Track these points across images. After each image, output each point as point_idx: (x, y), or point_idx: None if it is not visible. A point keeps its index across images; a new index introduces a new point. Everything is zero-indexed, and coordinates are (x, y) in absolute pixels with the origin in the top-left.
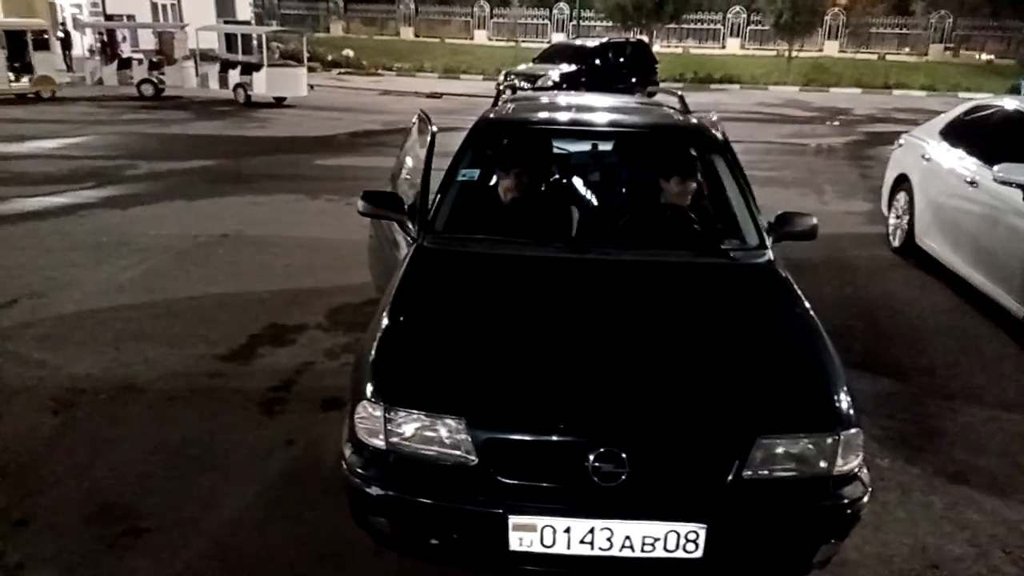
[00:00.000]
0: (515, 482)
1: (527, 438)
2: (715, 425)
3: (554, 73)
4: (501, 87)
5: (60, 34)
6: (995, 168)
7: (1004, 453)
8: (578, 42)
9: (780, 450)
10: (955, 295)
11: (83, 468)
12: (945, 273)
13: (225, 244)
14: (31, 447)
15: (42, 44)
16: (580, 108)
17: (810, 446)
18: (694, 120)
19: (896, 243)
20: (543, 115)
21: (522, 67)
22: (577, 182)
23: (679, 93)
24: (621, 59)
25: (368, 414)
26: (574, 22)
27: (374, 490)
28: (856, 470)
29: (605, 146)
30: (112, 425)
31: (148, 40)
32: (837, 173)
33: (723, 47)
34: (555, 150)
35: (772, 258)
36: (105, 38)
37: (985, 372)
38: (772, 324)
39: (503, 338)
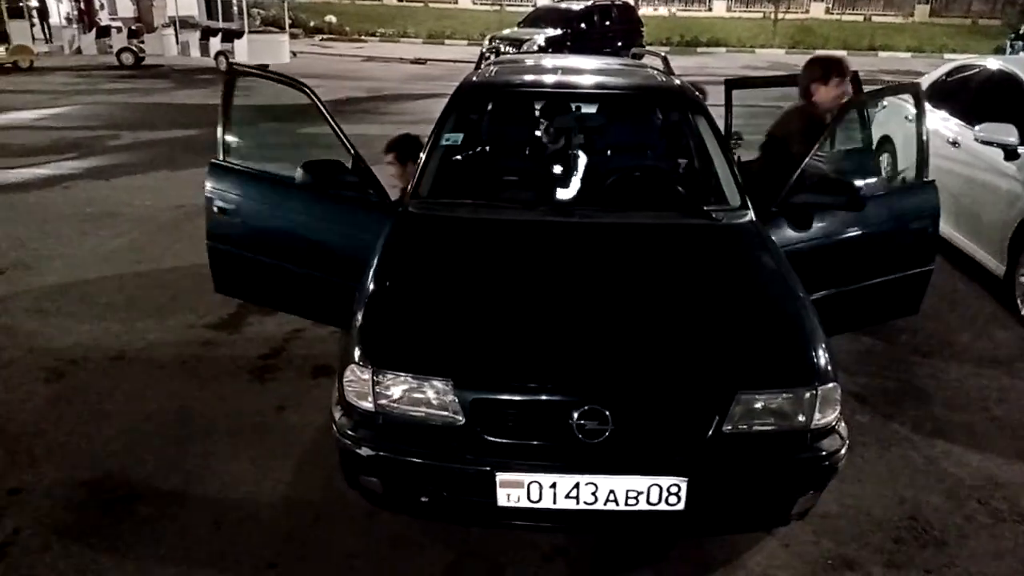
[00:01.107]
0: (502, 440)
1: (513, 398)
2: (695, 381)
3: (539, 37)
4: (485, 52)
5: (35, 2)
6: (976, 128)
7: (983, 408)
8: (563, 5)
9: (759, 405)
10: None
11: (76, 437)
12: None
13: None
14: (24, 417)
15: (17, 12)
16: (563, 70)
17: (788, 400)
18: (676, 82)
19: None
20: (526, 77)
21: (507, 32)
22: (560, 144)
23: (663, 54)
24: (607, 23)
25: (356, 377)
26: None
27: (364, 451)
28: (833, 424)
29: (588, 108)
30: (103, 394)
31: (127, 7)
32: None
33: (710, 10)
34: (537, 112)
35: (753, 218)
36: (82, 6)
37: (966, 329)
38: (752, 282)
39: (488, 301)
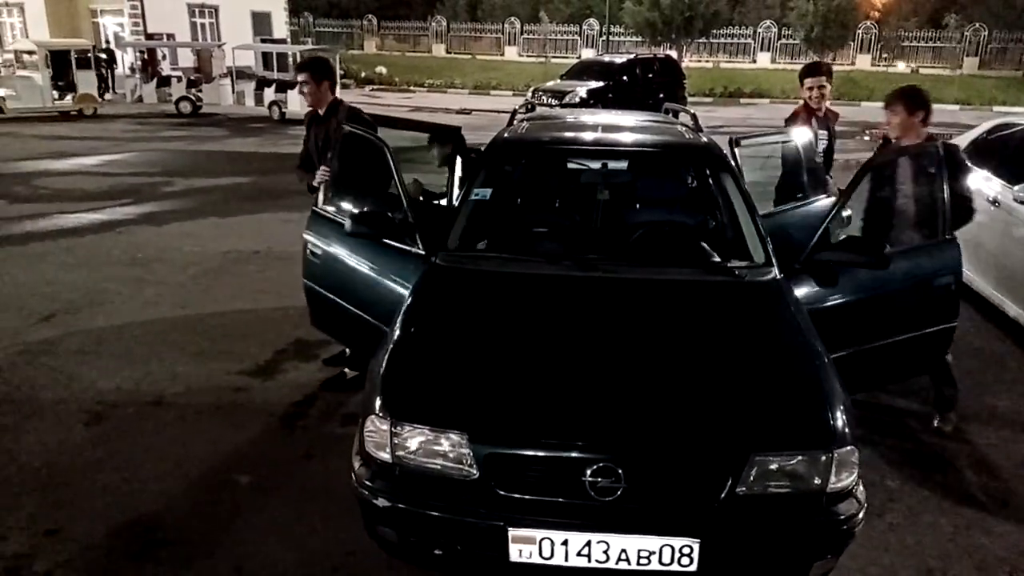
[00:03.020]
0: (515, 496)
1: (527, 453)
2: (708, 442)
3: (581, 90)
4: (518, 107)
5: (103, 55)
6: (1016, 188)
7: (1017, 476)
8: (606, 58)
9: (774, 467)
10: (976, 315)
11: (111, 480)
12: (967, 293)
13: (256, 260)
14: (63, 459)
15: (85, 63)
16: (592, 127)
17: (804, 463)
18: (703, 139)
19: None
20: (555, 135)
21: (550, 84)
22: (587, 200)
23: (692, 112)
24: (649, 75)
25: (376, 428)
26: (603, 38)
27: (381, 502)
28: (851, 487)
29: (616, 164)
30: (140, 439)
31: (187, 58)
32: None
33: (754, 61)
34: (568, 166)
35: (777, 276)
36: (146, 56)
37: (1004, 393)
38: (772, 341)
39: (508, 355)
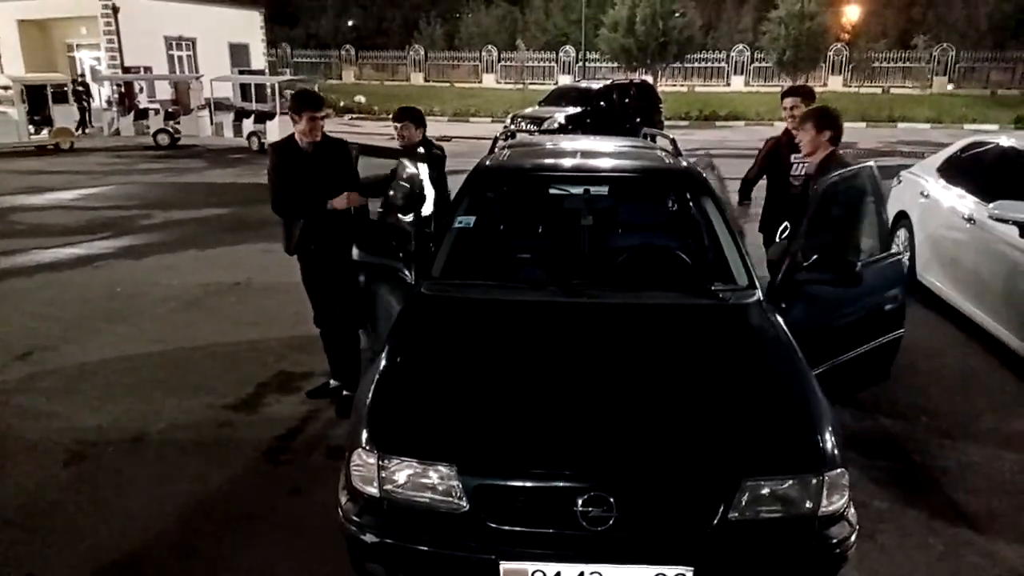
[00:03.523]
0: (506, 528)
1: (516, 484)
2: (700, 469)
3: (559, 116)
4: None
5: (80, 87)
6: (991, 205)
7: (1005, 493)
8: (583, 84)
9: (765, 491)
10: (957, 331)
11: (92, 521)
12: (947, 309)
13: (236, 292)
14: (43, 500)
15: (61, 97)
16: (573, 153)
17: (795, 487)
18: (684, 163)
19: None
20: (537, 162)
21: (528, 110)
22: (570, 226)
23: (671, 136)
24: (626, 100)
25: (363, 462)
26: (580, 64)
27: (369, 537)
28: (842, 510)
29: (598, 190)
30: (122, 477)
31: (165, 91)
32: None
33: (728, 84)
34: (550, 191)
35: (761, 298)
36: (123, 90)
37: (987, 410)
38: (758, 364)
39: (494, 385)
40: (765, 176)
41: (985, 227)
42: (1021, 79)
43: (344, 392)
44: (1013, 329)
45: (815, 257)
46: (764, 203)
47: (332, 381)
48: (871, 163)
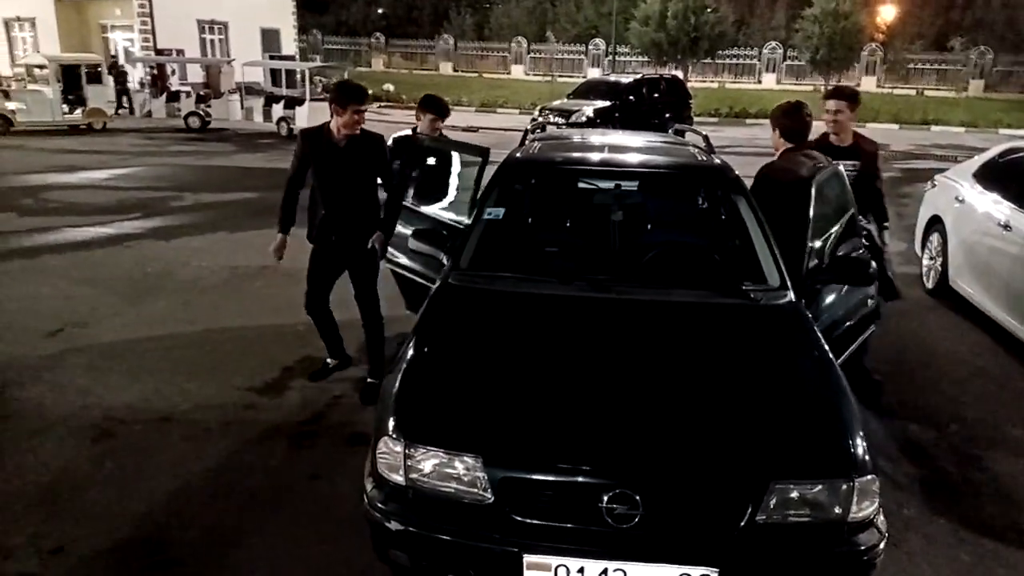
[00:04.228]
0: (530, 521)
1: (542, 478)
2: (728, 469)
3: (588, 109)
4: (529, 127)
5: (121, 68)
6: None
7: None
8: (612, 78)
9: (794, 495)
10: (989, 339)
11: (118, 498)
12: (979, 316)
13: (264, 276)
14: (70, 476)
15: (95, 77)
16: (604, 148)
17: (824, 491)
18: (716, 160)
19: (930, 284)
20: (568, 155)
21: (556, 103)
22: (599, 221)
23: (703, 133)
24: (655, 95)
25: (389, 450)
26: (609, 57)
27: (393, 525)
28: (872, 517)
29: (628, 185)
30: (149, 456)
31: (196, 74)
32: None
33: (759, 82)
34: (580, 185)
35: (793, 299)
36: (155, 72)
37: (1018, 420)
38: (789, 367)
39: (523, 377)
40: None
41: (1021, 234)
42: None
43: (369, 380)
44: None
45: (833, 258)
46: None
47: (329, 360)
48: (836, 164)
